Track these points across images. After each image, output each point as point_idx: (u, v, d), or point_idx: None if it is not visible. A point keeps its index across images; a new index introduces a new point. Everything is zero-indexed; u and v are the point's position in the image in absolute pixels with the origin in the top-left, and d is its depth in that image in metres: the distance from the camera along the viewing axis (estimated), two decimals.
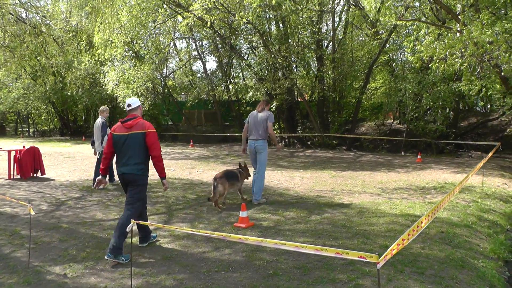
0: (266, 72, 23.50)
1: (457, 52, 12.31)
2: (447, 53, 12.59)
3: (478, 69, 14.08)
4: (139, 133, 5.69)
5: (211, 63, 67.12)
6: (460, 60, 12.43)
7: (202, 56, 28.85)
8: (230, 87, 27.22)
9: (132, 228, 4.61)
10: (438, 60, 13.23)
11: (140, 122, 5.76)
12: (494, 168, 13.98)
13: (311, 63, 25.75)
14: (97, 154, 10.80)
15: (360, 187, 10.62)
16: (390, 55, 23.40)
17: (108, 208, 8.53)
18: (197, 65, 46.46)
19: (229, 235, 4.29)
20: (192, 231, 4.81)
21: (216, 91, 27.09)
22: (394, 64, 23.98)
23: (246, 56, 28.19)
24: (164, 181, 5.92)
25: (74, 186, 10.96)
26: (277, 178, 12.08)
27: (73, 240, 6.43)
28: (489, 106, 24.10)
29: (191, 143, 25.34)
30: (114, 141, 5.83)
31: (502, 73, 12.59)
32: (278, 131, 25.04)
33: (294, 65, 23.88)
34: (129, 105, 5.94)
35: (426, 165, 15.00)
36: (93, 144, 11.09)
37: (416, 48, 14.45)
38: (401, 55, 25.16)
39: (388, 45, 22.44)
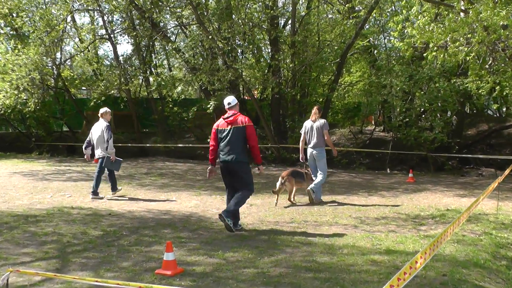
0: (201, 59, 23.51)
1: (461, 38, 12.67)
2: (447, 39, 12.96)
3: (490, 61, 14.54)
4: (240, 127, 8.82)
5: (125, 46, 66.77)
6: (466, 49, 12.81)
7: (112, 36, 28.43)
8: (151, 79, 26.93)
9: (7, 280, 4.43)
10: (436, 48, 13.60)
11: (239, 118, 8.89)
12: None
13: (263, 48, 25.99)
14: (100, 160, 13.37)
15: (330, 217, 10.70)
16: (371, 39, 23.90)
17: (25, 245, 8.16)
18: (105, 49, 46.16)
19: (150, 287, 4.19)
20: (97, 281, 4.66)
21: (132, 85, 26.72)
22: (376, 51, 24.47)
23: (174, 37, 28.15)
24: (260, 167, 9.39)
25: None
26: (216, 206, 11.96)
27: None
28: (504, 109, 24.97)
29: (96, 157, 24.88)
30: (218, 135, 9.03)
31: None
32: None
33: (239, 51, 24.01)
34: (228, 103, 9.06)
35: (421, 186, 15.36)
36: (86, 148, 13.50)
37: (406, 31, 14.79)
38: (386, 40, 25.76)
39: (368, 26, 22.95)
